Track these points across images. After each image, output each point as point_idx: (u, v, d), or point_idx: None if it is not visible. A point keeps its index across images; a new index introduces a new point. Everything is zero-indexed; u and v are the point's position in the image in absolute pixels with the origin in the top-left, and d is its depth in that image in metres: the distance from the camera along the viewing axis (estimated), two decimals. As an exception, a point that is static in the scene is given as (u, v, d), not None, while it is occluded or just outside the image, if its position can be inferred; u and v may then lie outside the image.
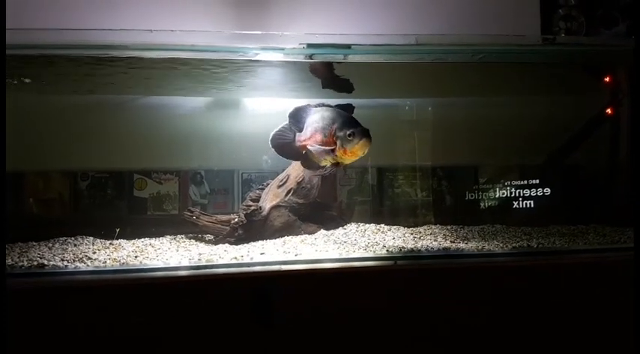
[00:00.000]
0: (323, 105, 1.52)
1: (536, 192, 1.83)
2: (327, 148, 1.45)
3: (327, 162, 1.52)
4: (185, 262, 1.34)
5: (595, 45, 1.65)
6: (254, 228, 1.62)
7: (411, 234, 1.69)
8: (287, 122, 1.55)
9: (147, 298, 1.20)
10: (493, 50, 1.44)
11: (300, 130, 1.55)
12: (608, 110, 1.91)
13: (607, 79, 1.90)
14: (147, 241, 1.66)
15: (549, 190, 1.81)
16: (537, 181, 1.81)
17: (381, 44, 1.43)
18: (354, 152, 1.45)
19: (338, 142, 1.43)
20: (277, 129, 1.57)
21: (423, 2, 1.90)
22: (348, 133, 1.42)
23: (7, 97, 1.17)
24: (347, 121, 1.45)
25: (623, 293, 1.32)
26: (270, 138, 1.57)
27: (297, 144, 1.56)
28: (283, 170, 1.77)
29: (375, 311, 1.26)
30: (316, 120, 1.50)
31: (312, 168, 1.61)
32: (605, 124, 1.93)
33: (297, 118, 1.55)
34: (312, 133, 1.51)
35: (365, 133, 1.42)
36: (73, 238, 1.69)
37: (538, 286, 1.32)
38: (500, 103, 2.03)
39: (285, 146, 1.57)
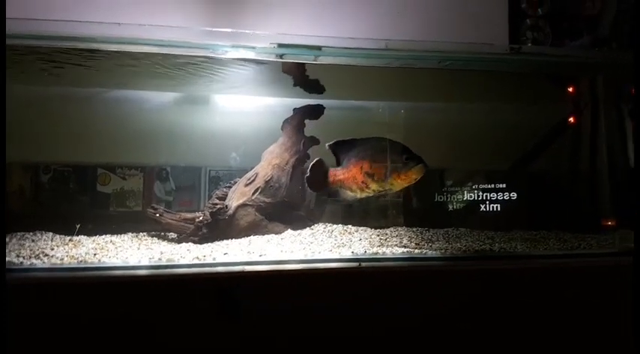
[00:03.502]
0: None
1: (501, 197, 1.87)
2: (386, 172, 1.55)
3: (368, 192, 1.59)
4: (145, 261, 1.32)
5: (559, 56, 1.69)
6: (219, 227, 1.60)
7: (378, 236, 1.69)
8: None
9: (103, 297, 1.17)
10: (461, 57, 1.46)
11: (338, 164, 1.64)
12: (571, 119, 1.96)
13: (571, 89, 1.96)
14: (108, 238, 1.62)
15: (513, 196, 1.85)
16: (501, 187, 1.85)
17: (351, 47, 1.44)
18: (409, 176, 1.54)
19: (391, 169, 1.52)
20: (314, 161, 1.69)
21: (395, 9, 1.92)
22: (405, 157, 1.48)
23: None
24: (401, 148, 1.53)
25: (582, 300, 1.37)
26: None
27: (332, 178, 1.66)
28: (252, 168, 1.76)
29: (338, 314, 1.27)
30: (364, 149, 1.58)
31: (344, 201, 1.71)
32: (568, 132, 1.99)
33: (337, 150, 1.66)
34: (357, 163, 1.57)
35: (420, 159, 1.50)
36: (31, 233, 1.64)
37: (498, 290, 1.35)
38: (470, 110, 2.06)
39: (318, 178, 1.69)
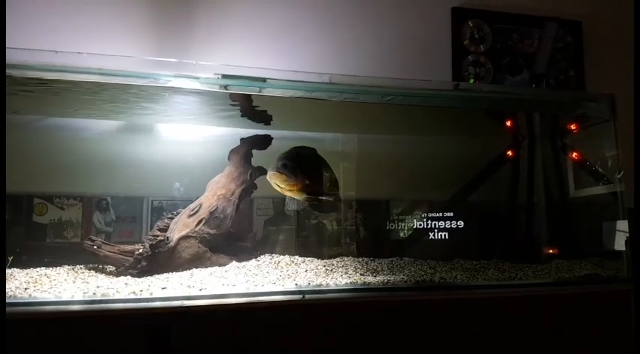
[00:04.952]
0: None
1: (445, 227, 1.91)
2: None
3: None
4: (79, 296, 1.26)
5: (494, 92, 1.77)
6: (159, 260, 1.54)
7: (324, 266, 1.70)
8: None
9: (32, 335, 1.12)
10: (401, 93, 1.51)
11: None
12: (510, 152, 2.04)
13: (509, 124, 2.05)
14: (43, 270, 1.55)
15: (456, 226, 1.89)
16: (445, 217, 1.90)
17: (295, 80, 1.47)
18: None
19: None
20: None
21: (343, 43, 1.98)
22: None
23: None
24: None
25: (517, 329, 1.40)
26: None
27: None
28: (197, 199, 1.73)
29: (278, 349, 1.25)
30: None
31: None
32: (507, 165, 2.06)
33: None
34: None
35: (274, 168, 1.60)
36: (-41, 266, 1.56)
37: (438, 321, 1.37)
38: (418, 142, 2.12)
39: None
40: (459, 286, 1.52)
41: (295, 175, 1.62)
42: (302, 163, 1.66)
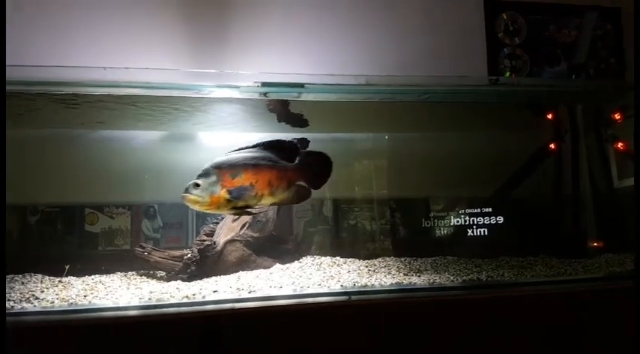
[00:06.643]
0: None
1: (488, 223, 1.88)
2: None
3: None
4: (135, 302, 1.32)
5: (535, 85, 1.73)
6: (208, 263, 1.60)
7: (366, 267, 1.70)
8: None
9: (96, 340, 1.16)
10: (439, 90, 1.51)
11: None
12: (552, 145, 2.00)
13: (550, 116, 2.00)
14: (97, 278, 1.62)
15: (500, 223, 1.87)
16: (487, 214, 1.87)
17: (332, 84, 1.48)
18: None
19: None
20: None
21: (376, 42, 1.98)
22: None
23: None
24: None
25: (572, 327, 1.37)
26: None
27: None
28: (239, 204, 1.77)
29: (329, 351, 1.26)
30: None
31: None
32: (550, 159, 2.02)
33: None
34: None
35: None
36: (21, 275, 1.63)
37: (488, 320, 1.35)
38: (452, 139, 2.10)
39: None
40: (507, 284, 1.50)
41: (211, 193, 1.38)
42: (227, 174, 1.41)
